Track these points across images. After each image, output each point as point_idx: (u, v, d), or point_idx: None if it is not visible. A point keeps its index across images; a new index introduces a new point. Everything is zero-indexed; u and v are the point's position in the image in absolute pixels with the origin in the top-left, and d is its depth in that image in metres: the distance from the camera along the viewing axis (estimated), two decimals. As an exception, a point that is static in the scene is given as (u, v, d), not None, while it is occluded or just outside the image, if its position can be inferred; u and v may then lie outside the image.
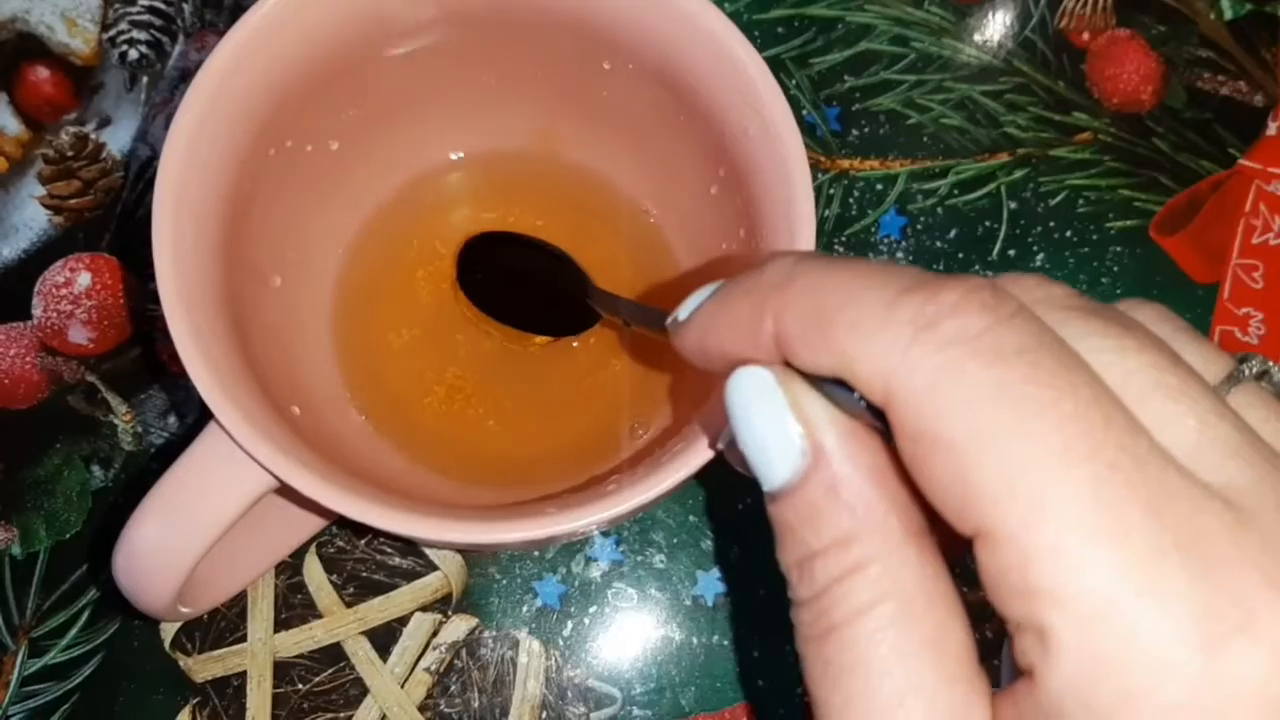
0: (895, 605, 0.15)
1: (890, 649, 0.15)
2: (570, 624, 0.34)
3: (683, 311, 0.19)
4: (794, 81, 0.38)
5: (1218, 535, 0.13)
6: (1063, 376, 0.14)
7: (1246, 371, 0.17)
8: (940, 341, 0.14)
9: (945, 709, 0.15)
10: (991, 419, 0.14)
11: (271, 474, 0.23)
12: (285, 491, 0.24)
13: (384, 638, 0.33)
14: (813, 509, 0.16)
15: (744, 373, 0.17)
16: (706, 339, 0.18)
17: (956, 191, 0.38)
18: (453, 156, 0.33)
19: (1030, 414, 0.14)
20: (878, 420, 0.15)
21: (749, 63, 0.25)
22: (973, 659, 0.15)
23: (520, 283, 0.32)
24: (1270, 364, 0.17)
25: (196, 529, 0.24)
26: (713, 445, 0.23)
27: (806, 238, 0.24)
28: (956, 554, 0.16)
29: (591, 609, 0.34)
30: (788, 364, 0.16)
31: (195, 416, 0.35)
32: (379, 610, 0.33)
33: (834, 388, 0.16)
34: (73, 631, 0.34)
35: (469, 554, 0.34)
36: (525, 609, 0.34)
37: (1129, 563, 0.13)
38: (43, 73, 0.38)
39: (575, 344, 0.32)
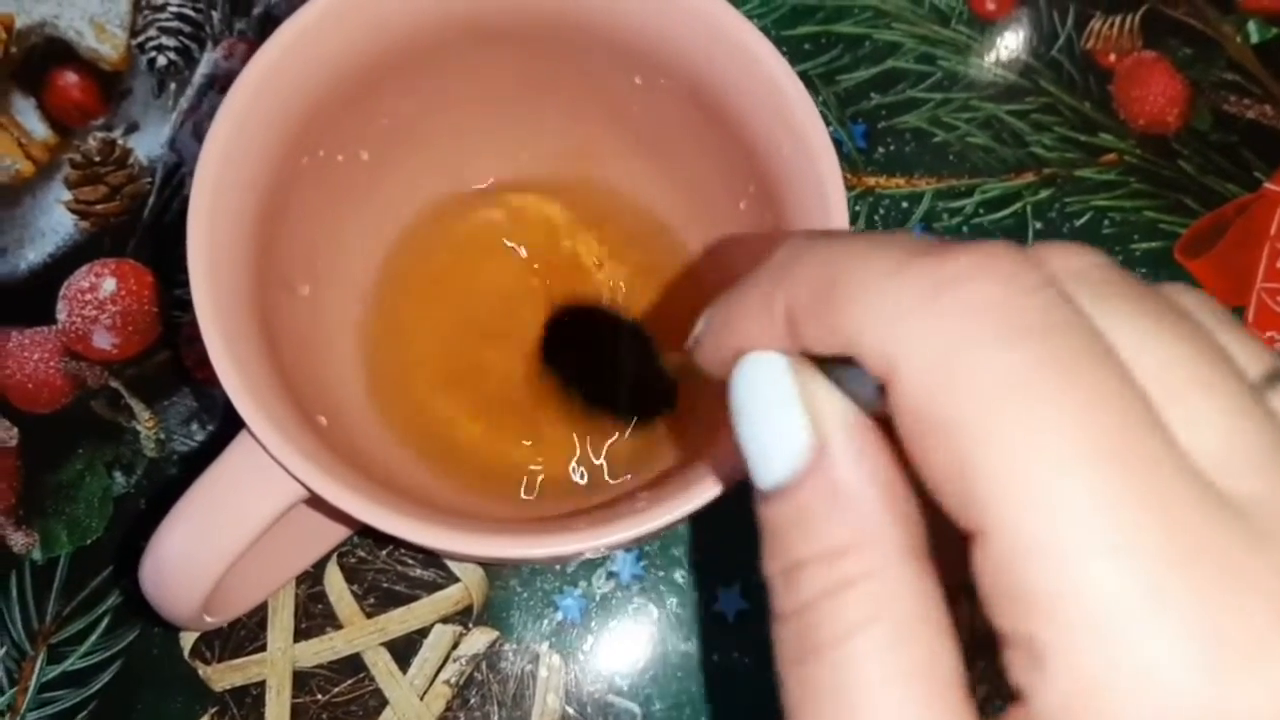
0: (888, 627, 0.14)
1: (879, 675, 0.14)
2: (591, 638, 0.33)
3: (699, 325, 0.18)
4: (820, 98, 0.38)
5: (1231, 553, 0.12)
6: (1082, 362, 0.13)
7: None
8: (949, 311, 0.13)
9: None
10: (998, 402, 0.13)
11: (303, 485, 0.23)
12: (313, 502, 0.24)
13: (404, 649, 0.33)
14: (808, 513, 0.15)
15: (752, 358, 0.16)
16: (723, 339, 0.17)
17: (982, 210, 0.37)
18: (482, 172, 0.33)
19: (1041, 401, 0.12)
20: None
21: (784, 79, 0.25)
22: (963, 686, 0.14)
23: (598, 366, 0.32)
24: None
25: (226, 538, 0.24)
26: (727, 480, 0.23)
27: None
28: (953, 578, 0.15)
29: (612, 623, 0.34)
30: (804, 355, 0.15)
31: (218, 424, 0.35)
32: (399, 621, 0.33)
33: (852, 377, 0.15)
34: (92, 638, 0.33)
35: (490, 567, 0.34)
36: (546, 623, 0.33)
37: (1133, 574, 0.12)
38: (71, 78, 0.38)
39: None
